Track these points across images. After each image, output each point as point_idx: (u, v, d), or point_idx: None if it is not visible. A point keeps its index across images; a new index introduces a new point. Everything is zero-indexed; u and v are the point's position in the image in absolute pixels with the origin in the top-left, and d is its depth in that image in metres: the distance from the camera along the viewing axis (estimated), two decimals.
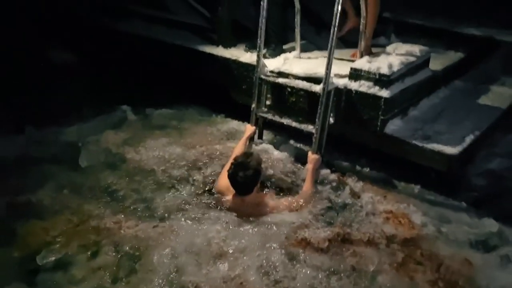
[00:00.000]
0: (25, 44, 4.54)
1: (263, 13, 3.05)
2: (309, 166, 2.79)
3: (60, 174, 2.95)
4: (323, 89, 2.81)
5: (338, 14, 2.69)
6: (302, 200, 2.60)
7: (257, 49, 3.13)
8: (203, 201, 2.61)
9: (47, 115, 3.68)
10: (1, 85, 4.07)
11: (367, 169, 3.01)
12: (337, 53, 2.79)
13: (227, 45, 3.78)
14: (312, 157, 2.82)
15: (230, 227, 2.40)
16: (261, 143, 3.24)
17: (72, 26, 4.74)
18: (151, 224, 2.42)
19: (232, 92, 3.70)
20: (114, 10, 4.59)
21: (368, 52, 3.18)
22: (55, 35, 4.71)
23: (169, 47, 4.05)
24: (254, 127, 3.15)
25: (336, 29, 2.73)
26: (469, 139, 2.83)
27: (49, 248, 2.32)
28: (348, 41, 3.46)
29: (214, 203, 2.60)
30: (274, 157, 3.06)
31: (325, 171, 2.91)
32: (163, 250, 2.24)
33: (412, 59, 3.07)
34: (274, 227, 2.41)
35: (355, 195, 2.74)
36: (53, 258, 2.25)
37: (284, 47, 3.63)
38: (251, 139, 3.16)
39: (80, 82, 4.34)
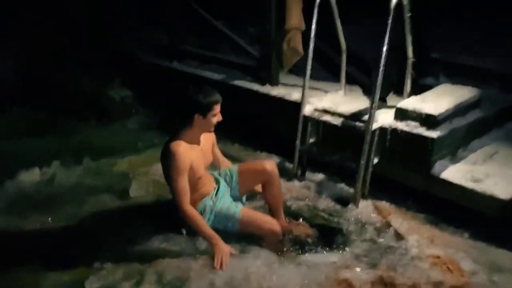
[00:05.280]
0: (89, 84, 4.95)
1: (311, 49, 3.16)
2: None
3: (111, 203, 3.11)
4: (368, 127, 2.82)
5: (384, 56, 2.73)
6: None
7: (303, 87, 3.22)
8: (245, 235, 2.64)
9: (104, 147, 3.95)
10: (65, 120, 4.44)
11: (413, 211, 2.92)
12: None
13: (274, 83, 3.91)
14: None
15: (271, 264, 2.40)
16: (303, 180, 3.27)
17: (130, 66, 5.10)
18: (193, 255, 2.48)
19: (276, 129, 3.78)
20: (168, 51, 4.89)
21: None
22: (115, 75, 5.09)
23: (218, 85, 4.24)
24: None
25: (382, 69, 2.76)
26: None
27: (97, 274, 2.42)
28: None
29: (256, 238, 2.62)
30: (315, 195, 3.09)
31: (368, 211, 2.87)
32: (204, 282, 2.27)
33: (461, 99, 3.02)
34: (314, 266, 2.39)
35: (400, 237, 2.65)
36: (101, 284, 2.35)
37: (330, 87, 3.70)
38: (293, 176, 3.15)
39: (135, 117, 4.63)
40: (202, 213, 2.48)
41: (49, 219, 2.92)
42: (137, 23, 5.48)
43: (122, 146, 3.97)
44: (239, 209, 2.53)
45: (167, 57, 4.81)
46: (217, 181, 2.70)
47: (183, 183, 2.38)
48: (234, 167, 2.73)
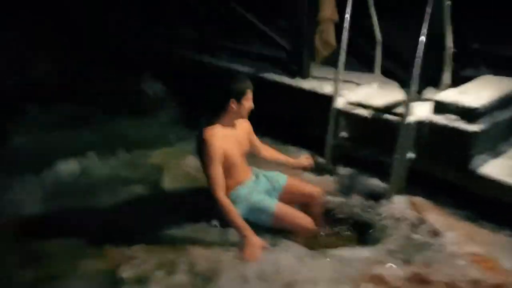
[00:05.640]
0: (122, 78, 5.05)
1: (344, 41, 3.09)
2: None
3: (144, 194, 3.18)
4: (403, 121, 2.73)
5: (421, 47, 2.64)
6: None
7: (335, 79, 3.16)
8: (276, 229, 2.63)
9: (137, 140, 4.03)
10: (100, 114, 4.56)
11: (450, 207, 2.81)
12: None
13: (305, 76, 3.85)
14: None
15: (302, 258, 2.37)
16: (335, 175, 3.21)
17: (161, 60, 5.17)
18: (225, 246, 2.49)
19: (307, 122, 3.73)
20: (199, 45, 4.92)
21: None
22: (147, 69, 5.18)
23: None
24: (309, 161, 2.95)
25: (419, 60, 2.67)
26: None
27: (129, 262, 2.46)
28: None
29: (287, 232, 2.61)
30: (347, 190, 3.04)
31: (403, 207, 2.79)
32: (235, 274, 2.27)
33: (503, 91, 2.88)
34: (346, 261, 2.35)
35: (436, 233, 2.57)
36: (134, 272, 2.39)
37: (363, 80, 3.61)
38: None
39: (167, 110, 4.70)
40: (234, 201, 2.49)
41: (85, 208, 3.01)
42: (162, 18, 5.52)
43: (154, 139, 4.05)
44: (274, 203, 2.53)
45: (197, 51, 4.83)
46: (257, 176, 2.71)
47: (217, 170, 2.41)
48: (284, 177, 2.73)
